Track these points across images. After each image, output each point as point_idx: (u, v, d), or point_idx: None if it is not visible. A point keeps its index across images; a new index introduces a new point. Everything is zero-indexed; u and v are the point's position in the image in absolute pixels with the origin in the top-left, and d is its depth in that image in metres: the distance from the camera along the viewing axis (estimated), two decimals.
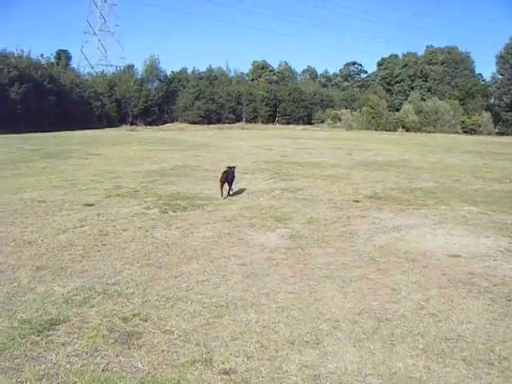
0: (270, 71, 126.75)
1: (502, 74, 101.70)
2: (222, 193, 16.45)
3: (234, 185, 17.15)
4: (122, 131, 67.48)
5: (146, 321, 6.88)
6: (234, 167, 17.27)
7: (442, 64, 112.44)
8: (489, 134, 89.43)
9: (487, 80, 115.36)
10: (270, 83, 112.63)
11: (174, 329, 6.68)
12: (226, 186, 16.60)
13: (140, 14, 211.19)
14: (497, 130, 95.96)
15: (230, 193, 16.88)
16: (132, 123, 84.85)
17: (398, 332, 6.77)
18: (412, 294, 8.11)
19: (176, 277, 8.63)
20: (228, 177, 16.68)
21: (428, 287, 8.47)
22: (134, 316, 7.00)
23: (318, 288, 8.25)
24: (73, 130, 59.36)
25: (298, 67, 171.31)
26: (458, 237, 11.96)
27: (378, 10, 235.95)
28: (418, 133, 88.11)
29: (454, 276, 9.07)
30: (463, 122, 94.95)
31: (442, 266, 9.64)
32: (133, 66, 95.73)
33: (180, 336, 6.48)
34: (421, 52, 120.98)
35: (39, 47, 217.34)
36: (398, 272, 9.22)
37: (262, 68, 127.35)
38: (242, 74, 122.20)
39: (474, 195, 17.95)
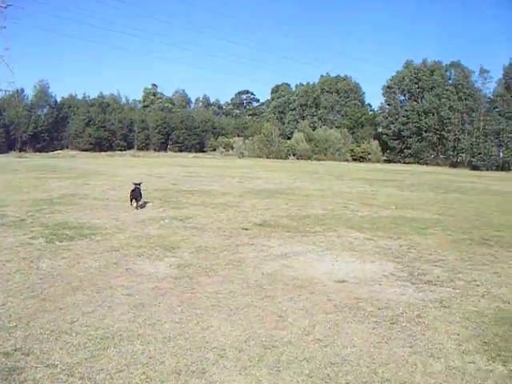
0: (159, 98, 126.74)
1: (389, 104, 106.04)
2: (131, 204, 19.79)
3: (141, 201, 20.36)
4: (10, 158, 65.86)
5: (28, 355, 6.68)
6: (139, 184, 20.31)
7: (334, 92, 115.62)
8: (377, 162, 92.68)
9: (376, 110, 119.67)
10: (162, 110, 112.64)
11: (57, 362, 6.50)
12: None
13: (30, 38, 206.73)
14: (385, 158, 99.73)
15: (138, 208, 19.80)
16: (21, 149, 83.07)
17: (284, 358, 6.83)
18: (298, 321, 8.19)
19: (61, 309, 8.40)
20: (136, 194, 19.81)
21: (314, 313, 8.58)
22: (15, 351, 6.78)
23: (205, 317, 8.23)
24: None
25: (192, 95, 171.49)
26: (345, 263, 12.21)
27: (273, 39, 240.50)
28: (309, 160, 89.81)
29: (340, 301, 9.23)
30: (353, 150, 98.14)
31: (329, 292, 9.80)
32: (22, 91, 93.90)
33: (64, 370, 6.32)
34: (314, 80, 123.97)
35: None
36: (285, 299, 9.30)
37: (153, 95, 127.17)
38: (135, 100, 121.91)
39: (360, 221, 18.42)
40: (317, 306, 8.99)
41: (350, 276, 11.03)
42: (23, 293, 9.20)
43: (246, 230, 16.07)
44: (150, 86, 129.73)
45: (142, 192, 20.56)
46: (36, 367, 6.38)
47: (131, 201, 19.77)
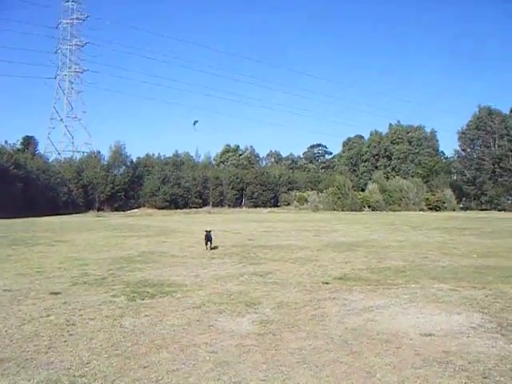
0: (240, 155, 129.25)
1: (463, 150, 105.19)
2: (206, 247, 24.35)
3: (212, 244, 24.90)
4: (89, 217, 67.39)
5: None
6: (210, 231, 24.83)
7: (406, 142, 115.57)
8: (453, 210, 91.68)
9: (449, 157, 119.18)
10: (236, 167, 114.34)
11: None
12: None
13: (106, 100, 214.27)
14: (461, 205, 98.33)
15: (211, 248, 24.45)
16: (99, 209, 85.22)
17: None
18: (387, 376, 7.96)
19: (145, 367, 8.37)
20: (209, 237, 24.43)
21: (402, 368, 8.32)
22: None
23: (291, 374, 8.06)
24: (39, 216, 59.26)
25: (262, 151, 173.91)
26: (430, 315, 11.90)
27: (342, 91, 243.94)
28: (384, 211, 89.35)
29: (428, 355, 8.95)
30: (427, 199, 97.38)
31: (416, 346, 9.52)
32: (99, 152, 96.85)
33: None
34: (385, 130, 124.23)
35: (4, 134, 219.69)
36: (372, 354, 9.07)
37: (234, 151, 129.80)
38: (210, 158, 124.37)
39: (442, 272, 18.02)
40: (405, 360, 8.72)
41: (436, 329, 10.71)
42: (107, 351, 9.23)
43: (327, 284, 15.86)
44: (230, 146, 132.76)
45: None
46: None
47: (206, 244, 24.42)
